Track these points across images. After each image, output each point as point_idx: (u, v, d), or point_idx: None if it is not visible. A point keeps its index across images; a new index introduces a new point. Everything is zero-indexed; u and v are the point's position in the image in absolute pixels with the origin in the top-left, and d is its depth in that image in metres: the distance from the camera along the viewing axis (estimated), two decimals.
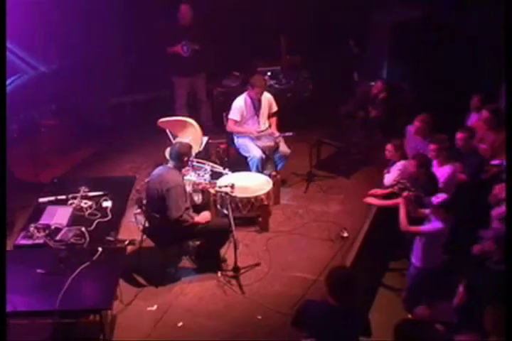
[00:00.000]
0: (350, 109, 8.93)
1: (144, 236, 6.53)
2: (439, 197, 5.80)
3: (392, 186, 6.69)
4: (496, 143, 7.13)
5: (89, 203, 6.42)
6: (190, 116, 8.19)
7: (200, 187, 6.87)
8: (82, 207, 6.36)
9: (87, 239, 5.85)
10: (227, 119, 8.00)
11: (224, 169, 7.43)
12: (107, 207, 6.38)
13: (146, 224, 6.51)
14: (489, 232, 5.76)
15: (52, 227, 5.92)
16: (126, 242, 6.27)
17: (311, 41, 10.41)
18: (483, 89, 7.93)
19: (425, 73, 9.42)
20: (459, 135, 6.91)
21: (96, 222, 6.14)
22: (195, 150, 6.91)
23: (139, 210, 6.78)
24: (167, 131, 7.76)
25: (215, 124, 9.08)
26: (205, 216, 6.41)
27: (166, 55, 8.88)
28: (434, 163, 6.71)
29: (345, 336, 4.76)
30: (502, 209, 6.23)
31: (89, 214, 6.28)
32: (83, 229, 5.96)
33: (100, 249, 5.57)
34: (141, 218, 6.73)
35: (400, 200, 6.16)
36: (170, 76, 9.20)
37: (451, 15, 9.64)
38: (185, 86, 9.24)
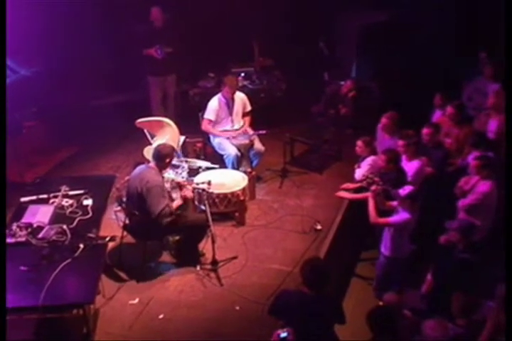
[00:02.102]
0: (321, 107, 9.02)
1: (125, 233, 6.62)
2: (405, 189, 6.00)
3: (361, 181, 6.92)
4: (460, 137, 7.36)
5: (71, 201, 6.48)
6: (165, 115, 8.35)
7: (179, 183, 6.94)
8: (63, 206, 6.42)
9: (69, 236, 5.88)
10: (203, 119, 8.15)
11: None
12: (87, 205, 6.45)
13: (127, 221, 6.60)
14: (454, 223, 5.97)
15: (35, 226, 5.98)
16: (108, 238, 6.21)
17: (282, 44, 10.57)
18: (445, 87, 8.19)
19: (391, 73, 9.66)
20: (425, 131, 7.14)
21: (77, 219, 6.19)
22: None
23: (119, 208, 6.87)
24: (145, 131, 7.84)
25: (180, 122, 9.13)
26: (177, 203, 6.51)
27: (142, 56, 9.04)
28: (403, 157, 6.89)
29: (320, 324, 4.93)
30: (467, 200, 6.51)
31: (70, 212, 6.34)
32: (65, 226, 5.99)
33: (82, 245, 5.65)
34: (121, 215, 6.83)
35: (369, 194, 6.37)
36: (145, 75, 9.39)
37: (414, 17, 9.94)
38: (158, 85, 9.42)
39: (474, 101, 8.46)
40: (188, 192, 6.55)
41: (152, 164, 6.43)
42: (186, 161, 7.57)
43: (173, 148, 6.55)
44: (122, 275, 6.54)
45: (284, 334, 4.49)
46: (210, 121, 8.06)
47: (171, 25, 9.14)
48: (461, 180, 6.71)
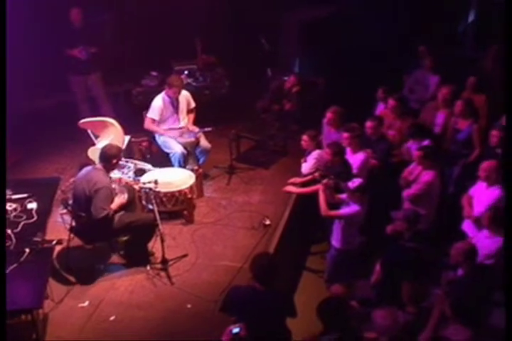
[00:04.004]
0: (265, 103, 9.07)
1: (72, 235, 6.51)
2: (354, 182, 6.08)
3: (312, 173, 6.99)
4: (403, 129, 7.48)
5: (14, 206, 6.42)
6: (92, 113, 8.43)
7: (124, 183, 6.94)
8: (7, 210, 6.31)
9: (14, 241, 5.83)
10: (146, 118, 8.07)
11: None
12: (32, 209, 6.39)
13: (73, 224, 6.48)
14: (400, 213, 6.07)
15: None
16: (54, 242, 6.19)
17: (225, 41, 10.59)
18: (388, 81, 8.34)
19: (334, 67, 9.77)
20: (368, 124, 7.24)
21: (22, 223, 6.14)
22: None
23: (65, 210, 6.77)
24: (88, 131, 7.73)
25: (124, 121, 8.69)
26: (119, 201, 6.44)
27: (65, 56, 8.96)
28: (348, 150, 6.98)
29: (271, 318, 4.96)
30: (411, 190, 6.65)
31: (14, 216, 6.27)
32: (9, 231, 5.93)
33: (27, 250, 5.60)
34: (67, 218, 6.72)
35: (318, 187, 6.43)
36: (65, 74, 9.24)
37: (356, 13, 10.11)
38: (80, 84, 9.30)
39: (416, 93, 8.65)
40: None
41: (99, 165, 6.36)
42: (133, 163, 7.53)
43: (119, 149, 6.50)
44: (71, 278, 6.43)
45: (236, 330, 4.48)
46: (154, 120, 7.97)
47: (90, 24, 9.04)
48: (404, 170, 6.84)
